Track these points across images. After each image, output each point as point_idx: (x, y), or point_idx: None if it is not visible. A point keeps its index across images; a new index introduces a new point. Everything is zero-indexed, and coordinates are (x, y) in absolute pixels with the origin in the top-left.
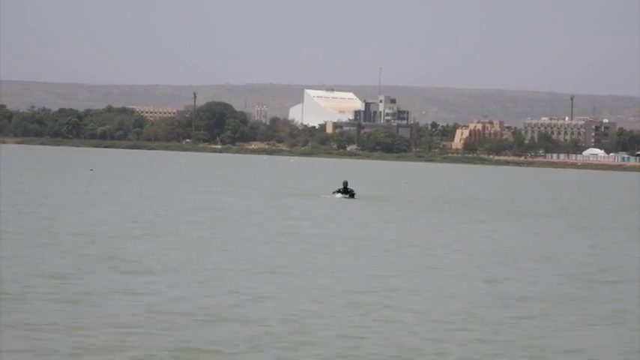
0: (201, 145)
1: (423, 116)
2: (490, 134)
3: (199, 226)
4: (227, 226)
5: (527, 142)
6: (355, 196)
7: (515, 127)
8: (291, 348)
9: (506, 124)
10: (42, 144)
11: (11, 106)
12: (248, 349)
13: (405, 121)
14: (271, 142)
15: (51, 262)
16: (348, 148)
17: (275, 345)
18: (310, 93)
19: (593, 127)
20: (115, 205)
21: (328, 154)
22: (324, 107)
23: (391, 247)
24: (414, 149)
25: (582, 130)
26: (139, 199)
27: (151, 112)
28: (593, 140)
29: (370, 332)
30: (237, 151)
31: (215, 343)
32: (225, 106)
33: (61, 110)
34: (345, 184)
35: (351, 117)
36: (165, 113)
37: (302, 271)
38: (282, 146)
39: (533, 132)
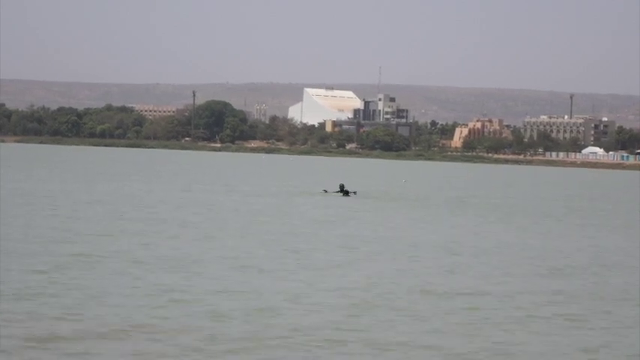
0: (200, 143)
1: (422, 115)
2: (489, 133)
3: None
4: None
5: (526, 140)
6: (350, 194)
7: (515, 126)
8: None
9: (505, 123)
10: (41, 143)
11: (11, 105)
12: None
13: (404, 120)
14: (270, 141)
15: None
16: (348, 147)
17: None
18: (310, 92)
19: (593, 125)
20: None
21: (327, 152)
22: (324, 106)
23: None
24: (413, 148)
25: (582, 128)
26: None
27: (151, 111)
28: (592, 139)
29: None
30: (237, 150)
31: None
32: (225, 104)
33: (61, 109)
34: (342, 186)
35: (351, 115)
36: (164, 112)
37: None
38: (281, 145)
39: (532, 130)
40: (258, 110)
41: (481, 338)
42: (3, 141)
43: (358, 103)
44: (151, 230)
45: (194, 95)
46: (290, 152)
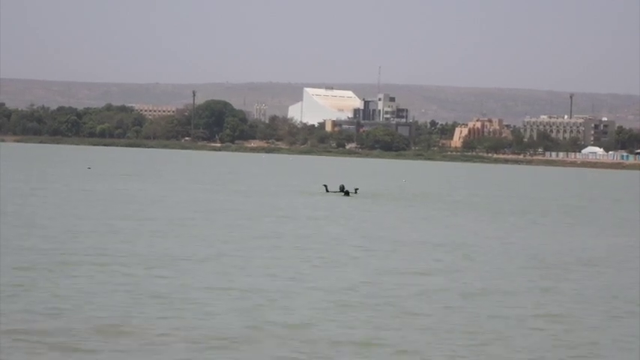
0: (200, 143)
1: (422, 114)
2: (489, 132)
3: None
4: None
5: (526, 140)
6: (350, 194)
7: (515, 126)
8: None
9: (505, 123)
10: (41, 142)
11: (10, 105)
12: None
13: (404, 120)
14: (270, 141)
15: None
16: (348, 147)
17: None
18: (309, 91)
19: (593, 125)
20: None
21: (327, 152)
22: (324, 105)
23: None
24: (413, 147)
25: (581, 128)
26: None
27: (151, 111)
28: (592, 138)
29: None
30: (237, 150)
31: None
32: (225, 104)
33: (60, 108)
34: (342, 187)
35: (350, 115)
36: (164, 112)
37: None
38: (281, 144)
39: (532, 130)
40: (257, 110)
41: (476, 337)
42: (3, 140)
43: (358, 103)
44: (150, 230)
45: (194, 95)
46: (290, 152)
